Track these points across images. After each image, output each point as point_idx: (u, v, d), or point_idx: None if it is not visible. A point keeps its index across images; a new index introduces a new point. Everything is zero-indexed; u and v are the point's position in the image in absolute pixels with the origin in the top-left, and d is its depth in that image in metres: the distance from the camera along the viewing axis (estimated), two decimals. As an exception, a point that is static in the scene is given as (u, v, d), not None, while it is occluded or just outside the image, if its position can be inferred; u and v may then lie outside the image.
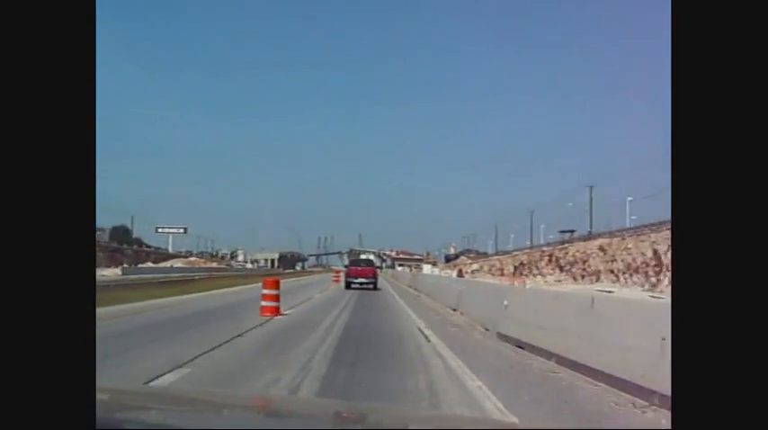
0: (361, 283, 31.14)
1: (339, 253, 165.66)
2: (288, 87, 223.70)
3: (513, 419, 5.05)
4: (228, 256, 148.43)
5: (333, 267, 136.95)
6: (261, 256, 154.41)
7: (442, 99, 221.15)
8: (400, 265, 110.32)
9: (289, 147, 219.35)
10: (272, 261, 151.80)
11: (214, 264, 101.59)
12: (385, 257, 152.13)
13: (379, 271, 48.36)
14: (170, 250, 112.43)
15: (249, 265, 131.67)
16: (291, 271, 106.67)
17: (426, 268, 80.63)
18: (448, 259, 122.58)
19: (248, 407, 2.33)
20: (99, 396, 1.69)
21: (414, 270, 72.38)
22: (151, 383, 5.96)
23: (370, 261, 41.65)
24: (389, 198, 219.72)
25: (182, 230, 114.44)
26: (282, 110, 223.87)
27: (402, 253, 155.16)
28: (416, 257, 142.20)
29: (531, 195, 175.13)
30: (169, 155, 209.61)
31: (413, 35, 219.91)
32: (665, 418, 4.65)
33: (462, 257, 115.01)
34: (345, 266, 41.32)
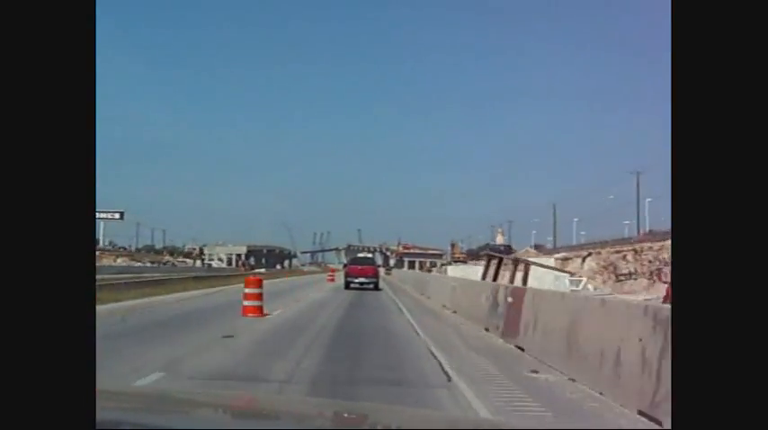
0: (361, 283, 29.73)
1: (336, 249, 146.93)
2: (281, 78, 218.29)
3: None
4: (198, 251, 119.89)
5: (329, 265, 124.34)
6: (223, 251, 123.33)
7: (450, 90, 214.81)
8: (457, 262, 72.32)
9: (281, 137, 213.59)
10: (240, 257, 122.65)
11: (119, 261, 75.64)
12: (388, 253, 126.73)
13: (389, 271, 45.70)
14: (101, 241, 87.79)
15: (188, 263, 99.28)
16: (262, 271, 78.48)
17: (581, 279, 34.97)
18: (495, 252, 68.90)
19: (247, 408, 2.33)
20: (99, 396, 1.69)
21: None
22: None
23: (371, 259, 39.43)
24: (390, 191, 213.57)
25: (116, 215, 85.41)
26: (274, 98, 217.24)
27: (413, 247, 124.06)
28: (432, 252, 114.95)
29: (556, 186, 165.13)
30: (149, 146, 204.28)
31: (412, 31, 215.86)
32: (664, 418, 4.64)
33: (529, 249, 68.98)
34: (343, 265, 38.90)
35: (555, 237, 79.37)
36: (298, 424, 2.07)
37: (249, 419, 2.10)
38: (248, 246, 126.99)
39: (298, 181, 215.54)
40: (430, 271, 67.68)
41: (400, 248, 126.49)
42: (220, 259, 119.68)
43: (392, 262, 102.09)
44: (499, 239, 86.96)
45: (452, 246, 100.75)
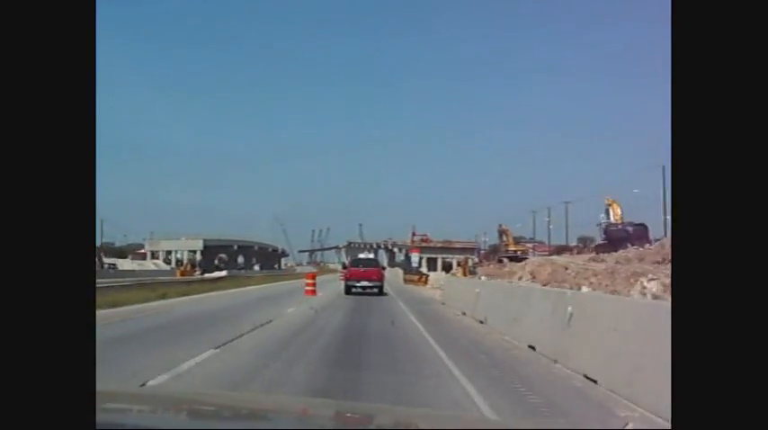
0: (363, 287, 26.66)
1: (336, 247, 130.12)
2: (271, 58, 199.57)
3: None
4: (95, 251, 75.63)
5: (329, 265, 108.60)
6: (174, 246, 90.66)
7: (463, 68, 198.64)
8: (514, 258, 50.83)
9: (275, 127, 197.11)
10: (194, 255, 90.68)
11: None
12: (396, 249, 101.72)
13: (413, 276, 34.33)
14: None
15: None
16: (222, 274, 56.74)
17: None
18: (611, 237, 47.35)
19: (248, 409, 2.32)
20: (99, 396, 1.69)
21: None
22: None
23: (375, 260, 35.02)
24: (395, 180, 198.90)
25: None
26: (264, 82, 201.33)
27: (433, 240, 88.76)
28: (459, 246, 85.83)
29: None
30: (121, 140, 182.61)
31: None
32: (665, 418, 4.61)
33: None
34: (343, 265, 34.24)
35: (667, 214, 45.75)
36: (302, 426, 2.07)
37: (251, 421, 2.10)
38: (205, 240, 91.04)
39: (293, 174, 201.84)
40: (473, 272, 40.77)
41: (418, 241, 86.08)
42: (168, 260, 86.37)
43: (414, 260, 61.23)
44: (615, 214, 53.97)
45: (502, 233, 69.82)
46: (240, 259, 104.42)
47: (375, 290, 26.49)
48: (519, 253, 58.95)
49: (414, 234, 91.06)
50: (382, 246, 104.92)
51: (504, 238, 68.87)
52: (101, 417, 1.52)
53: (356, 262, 31.16)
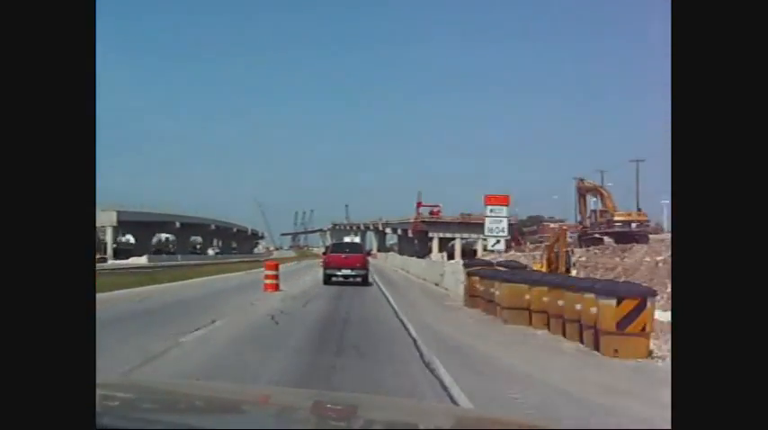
0: (345, 276, 23.24)
1: (320, 230, 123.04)
2: (257, 33, 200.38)
3: None
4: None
5: (312, 249, 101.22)
6: None
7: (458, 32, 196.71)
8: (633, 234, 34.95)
9: (252, 92, 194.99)
10: (106, 231, 66.07)
11: None
12: (388, 230, 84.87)
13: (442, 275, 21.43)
14: None
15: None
16: (142, 261, 50.60)
17: None
18: None
19: (250, 403, 2.32)
20: (99, 394, 1.69)
21: None
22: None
23: (358, 245, 31.62)
24: (388, 158, 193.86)
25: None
26: (241, 53, 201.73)
27: (443, 215, 64.13)
28: (475, 221, 58.42)
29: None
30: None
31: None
32: (665, 418, 4.65)
33: None
34: (325, 250, 30.13)
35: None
36: (299, 419, 2.09)
37: (253, 416, 2.10)
38: (120, 213, 65.59)
39: (275, 153, 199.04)
40: (569, 265, 16.81)
41: (421, 216, 64.38)
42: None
43: (498, 227, 18.55)
44: None
45: (587, 192, 42.81)
46: (200, 245, 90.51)
47: (358, 279, 23.16)
48: (634, 226, 37.16)
49: (420, 204, 66.73)
50: (371, 228, 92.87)
51: (600, 202, 40.10)
52: (101, 415, 1.51)
53: (337, 247, 27.80)
